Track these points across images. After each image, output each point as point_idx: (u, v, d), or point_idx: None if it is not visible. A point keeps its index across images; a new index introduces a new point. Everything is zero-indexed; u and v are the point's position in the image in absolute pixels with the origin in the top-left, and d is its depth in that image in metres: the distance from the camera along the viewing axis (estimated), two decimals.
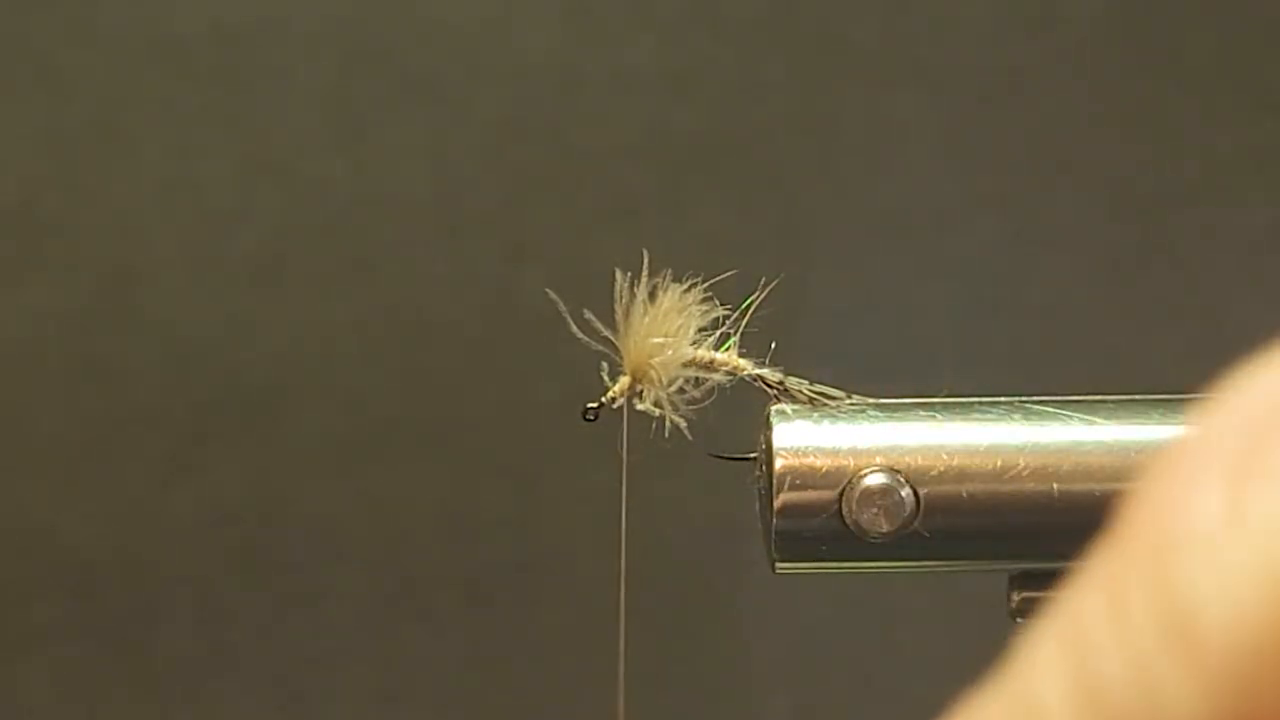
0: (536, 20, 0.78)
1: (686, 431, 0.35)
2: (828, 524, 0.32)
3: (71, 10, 0.78)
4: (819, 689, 0.81)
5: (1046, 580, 0.33)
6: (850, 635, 0.81)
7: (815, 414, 0.33)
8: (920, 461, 0.31)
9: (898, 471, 0.31)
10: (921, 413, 0.33)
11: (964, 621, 0.81)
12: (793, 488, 0.31)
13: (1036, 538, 0.32)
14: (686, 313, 0.35)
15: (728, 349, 0.35)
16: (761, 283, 0.35)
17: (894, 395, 0.34)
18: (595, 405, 0.32)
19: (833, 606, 0.81)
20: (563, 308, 0.35)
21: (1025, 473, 0.31)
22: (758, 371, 0.35)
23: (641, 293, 0.35)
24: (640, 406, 0.35)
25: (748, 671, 0.81)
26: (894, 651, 0.81)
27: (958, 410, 0.33)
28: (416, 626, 0.80)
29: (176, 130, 0.79)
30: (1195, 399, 0.32)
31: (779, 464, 0.32)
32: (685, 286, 0.35)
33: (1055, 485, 0.31)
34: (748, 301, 0.35)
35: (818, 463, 0.32)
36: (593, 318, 0.35)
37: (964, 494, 0.31)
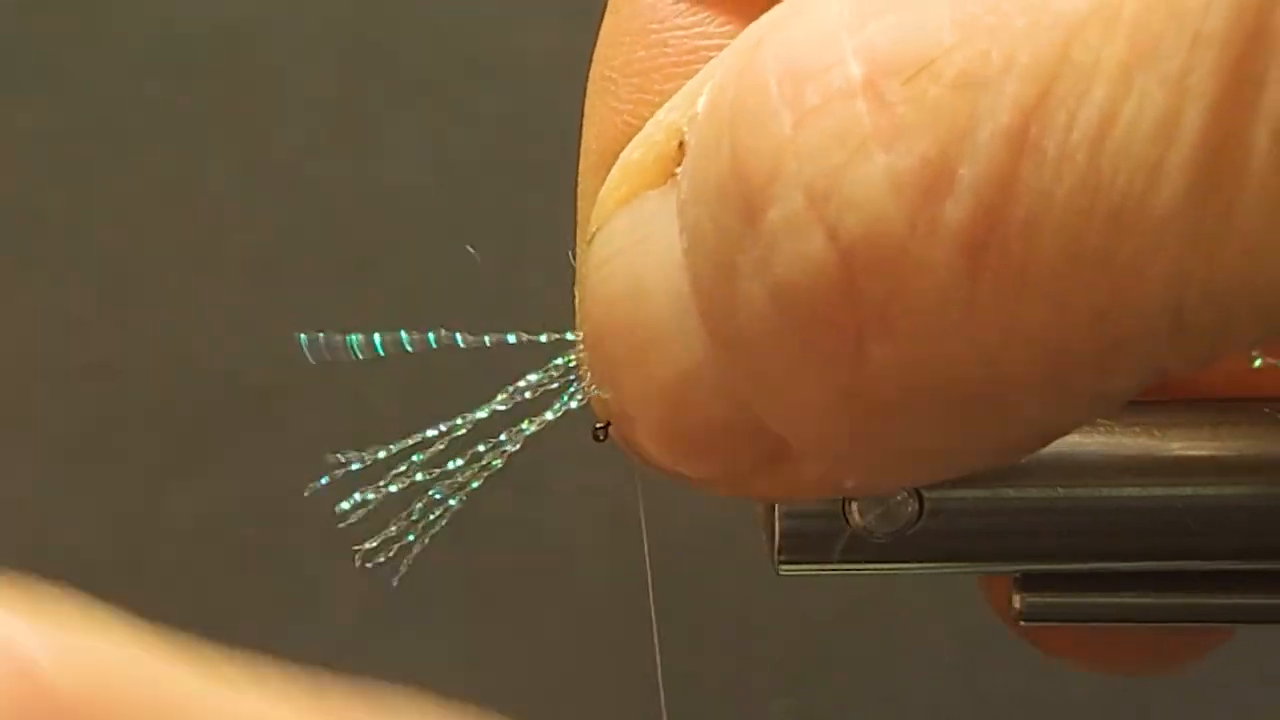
0: (536, 20, 0.78)
1: None
2: (830, 526, 0.32)
3: (71, 10, 0.78)
4: (820, 689, 0.81)
5: (1051, 582, 0.33)
6: (851, 636, 0.81)
7: None
8: None
9: None
10: None
11: (966, 623, 0.81)
12: None
13: (1041, 540, 0.32)
14: None
15: None
16: None
17: None
18: (604, 425, 0.31)
19: (834, 607, 0.81)
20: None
21: (1029, 474, 0.31)
22: None
23: None
24: None
25: (748, 672, 0.81)
26: (895, 652, 0.81)
27: None
28: (416, 627, 0.80)
29: (176, 130, 0.79)
30: (1196, 401, 0.32)
31: None
32: None
33: (1059, 487, 0.31)
34: None
35: None
36: None
37: (967, 496, 0.31)
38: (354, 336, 0.34)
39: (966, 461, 0.25)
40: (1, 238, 0.79)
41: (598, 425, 0.31)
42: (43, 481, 0.80)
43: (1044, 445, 0.26)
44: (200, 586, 0.80)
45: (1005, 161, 0.20)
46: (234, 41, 0.79)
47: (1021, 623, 0.33)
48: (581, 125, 0.31)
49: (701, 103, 0.24)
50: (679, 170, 0.24)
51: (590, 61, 0.32)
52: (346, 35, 0.79)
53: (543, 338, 0.32)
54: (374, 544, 0.34)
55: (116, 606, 0.85)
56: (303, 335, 0.35)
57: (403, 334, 0.34)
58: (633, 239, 0.25)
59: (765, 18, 0.24)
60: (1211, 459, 0.31)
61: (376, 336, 0.34)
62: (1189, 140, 0.20)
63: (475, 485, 0.33)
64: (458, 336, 0.32)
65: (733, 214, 0.22)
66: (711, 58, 0.28)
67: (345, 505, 0.34)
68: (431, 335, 0.33)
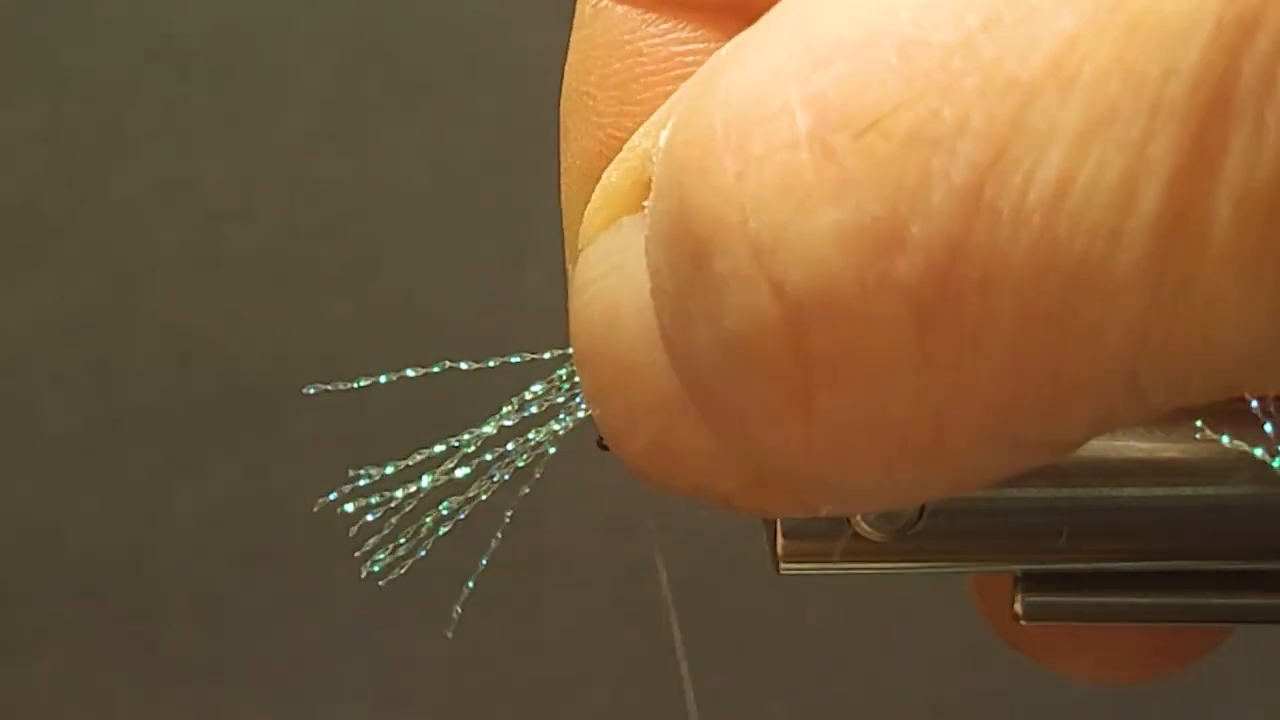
0: (536, 20, 0.78)
1: None
2: (831, 527, 0.32)
3: (71, 10, 0.78)
4: (819, 689, 0.81)
5: (1051, 582, 0.33)
6: (850, 635, 0.81)
7: None
8: None
9: None
10: None
11: (966, 623, 0.81)
12: None
13: (1041, 540, 0.32)
14: None
15: None
16: None
17: None
18: None
19: (833, 606, 0.81)
20: None
21: (1029, 475, 0.31)
22: None
23: None
24: None
25: (748, 671, 0.81)
26: (895, 652, 0.81)
27: None
28: (416, 626, 0.80)
29: (176, 130, 0.79)
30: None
31: None
32: None
33: (1060, 487, 0.31)
34: None
35: None
36: None
37: (968, 496, 0.31)
38: (360, 381, 0.34)
39: (926, 494, 0.25)
40: (1, 238, 0.79)
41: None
42: (43, 481, 0.80)
43: (998, 481, 0.26)
44: (200, 586, 0.80)
45: (959, 221, 0.20)
46: (234, 41, 0.79)
47: (1022, 623, 0.33)
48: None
49: (664, 136, 0.23)
50: (646, 203, 0.24)
51: None
52: (346, 35, 0.79)
53: (546, 355, 0.32)
54: (382, 557, 0.34)
55: (118, 604, 0.85)
56: (311, 388, 0.35)
57: (409, 370, 0.34)
58: (610, 265, 0.25)
59: (720, 53, 0.23)
60: (1211, 459, 0.31)
61: (382, 376, 0.34)
62: (1149, 207, 0.19)
63: (484, 496, 0.33)
64: (463, 364, 0.32)
65: (684, 259, 0.22)
66: (689, 63, 0.27)
67: (349, 507, 0.34)
68: (437, 366, 0.33)
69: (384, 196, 0.80)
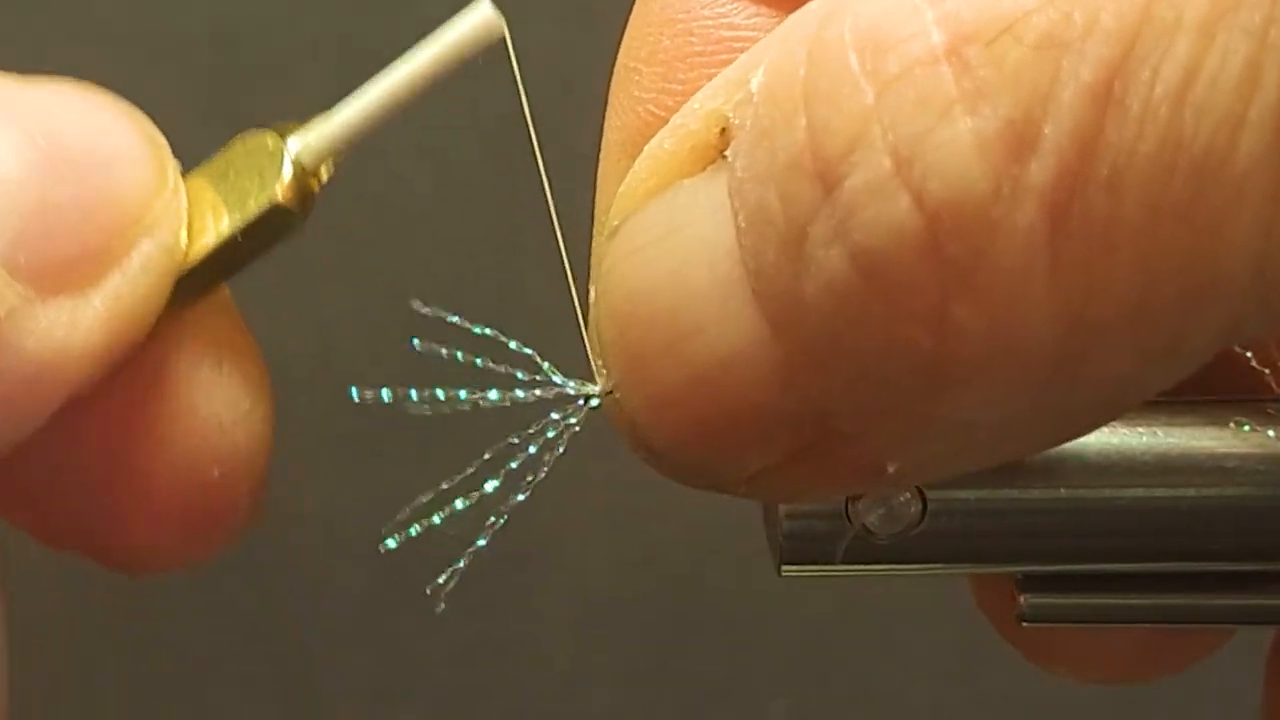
0: (536, 20, 0.78)
1: None
2: (833, 527, 0.32)
3: (71, 10, 0.78)
4: (820, 689, 0.81)
5: (1054, 583, 0.33)
6: (850, 635, 0.81)
7: None
8: None
9: None
10: None
11: (966, 623, 0.81)
12: None
13: (1043, 541, 0.32)
14: None
15: None
16: None
17: None
18: (605, 393, 0.30)
19: (833, 607, 0.81)
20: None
21: (1032, 475, 0.31)
22: None
23: None
24: None
25: (748, 671, 0.81)
26: (895, 652, 0.81)
27: None
28: (416, 626, 0.80)
29: (176, 130, 0.79)
30: (1201, 400, 0.32)
31: None
32: None
33: (1062, 488, 0.31)
34: None
35: None
36: None
37: (970, 497, 0.31)
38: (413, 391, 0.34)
39: (1022, 439, 0.25)
40: None
41: (593, 394, 0.30)
42: None
43: (1104, 422, 0.26)
44: (201, 585, 0.80)
45: (1089, 119, 0.21)
46: (234, 41, 0.79)
47: (1024, 624, 0.33)
48: (595, 124, 0.31)
49: (756, 84, 0.24)
50: (728, 153, 0.24)
51: (591, 61, 0.32)
52: (346, 35, 0.79)
53: (570, 386, 0.31)
54: (443, 581, 0.34)
55: (117, 604, 0.85)
56: (353, 389, 0.35)
57: (439, 391, 0.34)
58: (670, 227, 0.25)
59: (818, 2, 0.24)
60: (1214, 459, 0.31)
61: (412, 391, 0.34)
62: (1272, 93, 0.20)
63: (520, 497, 0.34)
64: (492, 394, 0.32)
65: (806, 185, 0.23)
66: (738, 48, 0.28)
67: (391, 543, 0.34)
68: (463, 393, 0.34)
69: (384, 196, 0.80)
